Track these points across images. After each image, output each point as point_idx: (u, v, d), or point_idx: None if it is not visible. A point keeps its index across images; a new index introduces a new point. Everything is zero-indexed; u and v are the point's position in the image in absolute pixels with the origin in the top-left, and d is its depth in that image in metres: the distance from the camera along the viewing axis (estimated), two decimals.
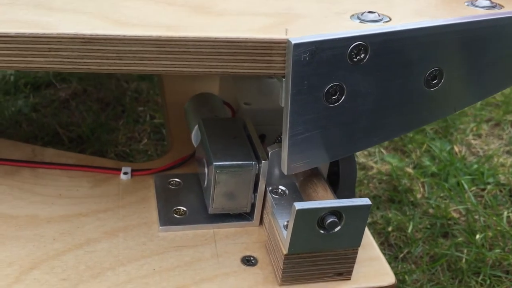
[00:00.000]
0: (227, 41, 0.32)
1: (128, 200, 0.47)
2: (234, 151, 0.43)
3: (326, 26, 0.35)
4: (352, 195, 0.45)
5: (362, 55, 0.35)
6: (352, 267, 0.40)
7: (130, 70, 0.33)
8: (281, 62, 0.34)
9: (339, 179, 0.45)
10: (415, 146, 0.89)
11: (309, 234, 0.37)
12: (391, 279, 0.41)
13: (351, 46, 0.34)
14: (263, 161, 0.42)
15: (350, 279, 0.41)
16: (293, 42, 0.32)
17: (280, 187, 0.44)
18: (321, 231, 0.38)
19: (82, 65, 0.33)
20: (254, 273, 0.41)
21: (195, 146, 0.49)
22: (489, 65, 0.40)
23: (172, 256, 0.41)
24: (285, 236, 0.39)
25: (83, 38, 0.32)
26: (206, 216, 0.45)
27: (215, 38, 0.32)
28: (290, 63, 0.33)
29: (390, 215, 0.74)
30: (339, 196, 0.43)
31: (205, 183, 0.45)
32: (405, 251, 0.68)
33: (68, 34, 0.32)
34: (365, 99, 0.37)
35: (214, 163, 0.42)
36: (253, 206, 0.45)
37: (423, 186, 0.80)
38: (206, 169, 0.44)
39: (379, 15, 0.37)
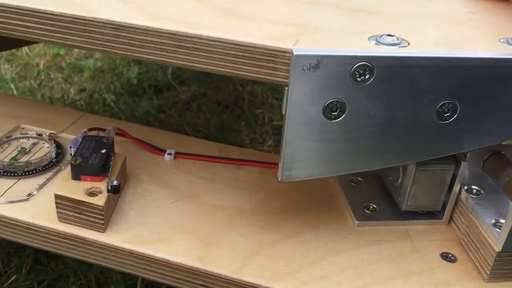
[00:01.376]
0: (236, 44, 0.34)
1: (315, 196, 0.49)
2: None
3: (339, 43, 0.35)
4: None
5: (367, 76, 0.35)
6: None
7: (151, 59, 0.37)
8: (285, 71, 0.35)
9: None
10: None
11: None
12: None
13: (356, 65, 0.34)
14: (462, 162, 0.44)
15: None
16: (295, 53, 0.33)
17: (474, 186, 0.45)
18: None
19: (111, 48, 0.37)
20: (456, 269, 0.42)
21: None
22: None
23: (375, 250, 0.44)
24: (496, 234, 0.40)
25: (113, 24, 0.36)
26: (396, 213, 0.47)
27: (226, 39, 0.34)
28: (291, 73, 0.34)
29: None
30: None
31: (399, 181, 0.47)
32: None
33: (101, 19, 0.36)
34: (368, 121, 0.36)
35: (416, 163, 0.44)
36: (444, 204, 0.46)
37: None
38: (400, 168, 0.46)
39: (397, 39, 0.36)
